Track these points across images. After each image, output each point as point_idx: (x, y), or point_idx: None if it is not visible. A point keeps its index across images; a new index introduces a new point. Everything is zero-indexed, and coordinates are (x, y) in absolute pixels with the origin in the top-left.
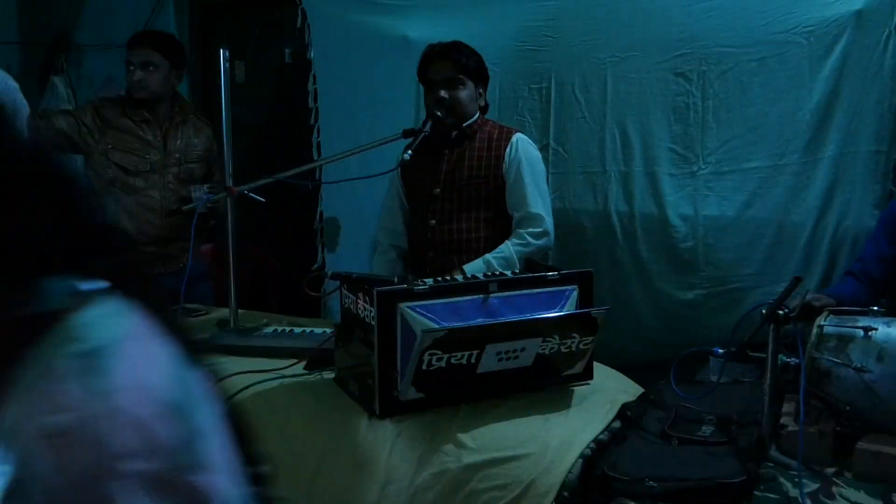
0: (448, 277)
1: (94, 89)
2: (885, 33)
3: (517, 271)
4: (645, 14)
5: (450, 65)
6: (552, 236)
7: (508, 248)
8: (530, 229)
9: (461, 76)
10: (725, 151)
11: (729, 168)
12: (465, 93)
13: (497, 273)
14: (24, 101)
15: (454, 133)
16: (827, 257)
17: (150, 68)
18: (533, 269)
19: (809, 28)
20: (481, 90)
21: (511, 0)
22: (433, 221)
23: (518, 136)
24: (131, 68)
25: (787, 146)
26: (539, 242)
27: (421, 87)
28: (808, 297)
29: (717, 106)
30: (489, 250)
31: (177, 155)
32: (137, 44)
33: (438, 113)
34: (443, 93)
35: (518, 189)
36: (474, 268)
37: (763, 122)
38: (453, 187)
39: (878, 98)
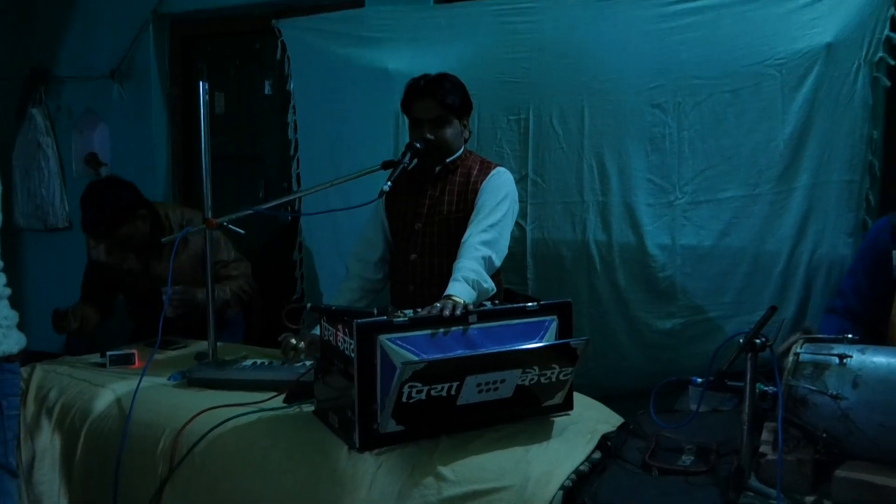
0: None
1: (72, 121)
2: (855, 65)
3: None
4: (621, 47)
5: (434, 104)
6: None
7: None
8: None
9: (446, 114)
10: (701, 181)
11: (705, 198)
12: (451, 131)
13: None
14: None
15: (437, 168)
16: (803, 285)
17: (120, 246)
18: (512, 300)
19: (781, 60)
20: (465, 122)
21: (489, 33)
22: (414, 256)
23: (497, 170)
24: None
25: (762, 176)
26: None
27: (401, 119)
28: (792, 339)
29: (693, 136)
30: None
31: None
32: (93, 235)
33: (417, 145)
34: (429, 133)
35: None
36: (462, 291)
37: (737, 152)
38: (434, 222)
39: (850, 128)
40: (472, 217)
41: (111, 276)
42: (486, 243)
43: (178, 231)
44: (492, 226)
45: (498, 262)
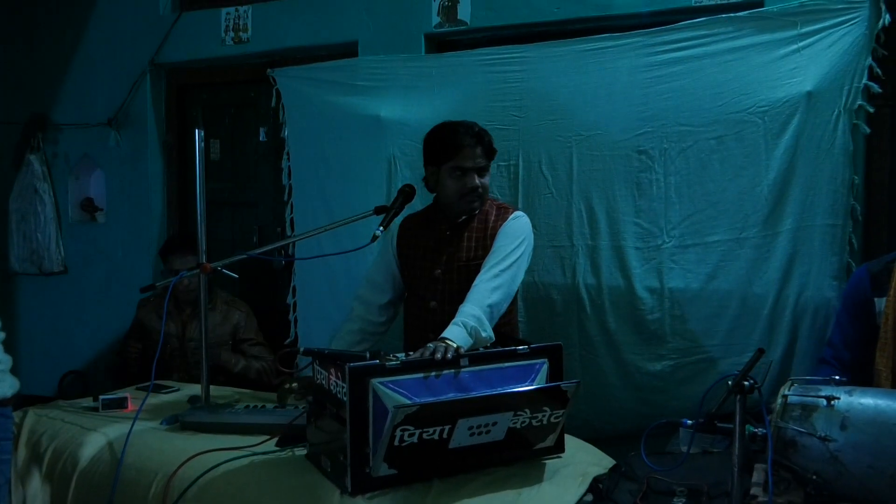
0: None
1: (69, 166)
2: (835, 113)
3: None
4: (608, 95)
5: (481, 151)
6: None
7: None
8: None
9: (487, 163)
10: (688, 225)
11: (692, 241)
12: (489, 178)
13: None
14: None
15: (462, 217)
16: (789, 328)
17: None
18: (503, 343)
19: (764, 108)
20: None
21: (479, 82)
22: (434, 303)
23: (515, 214)
24: (173, 273)
25: (747, 220)
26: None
27: (393, 164)
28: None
29: (679, 182)
30: None
31: (192, 343)
32: (179, 251)
33: (407, 189)
34: (478, 180)
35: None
36: (458, 336)
37: (723, 197)
38: (453, 269)
39: (831, 174)
40: (486, 259)
41: (149, 339)
42: (495, 289)
43: (221, 306)
44: (504, 270)
45: (505, 307)
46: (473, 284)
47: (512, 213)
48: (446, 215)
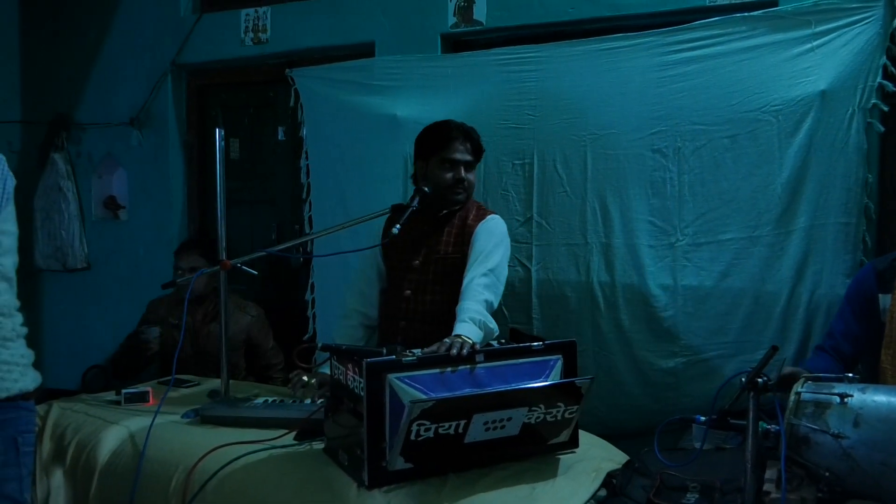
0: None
1: (93, 165)
2: (849, 112)
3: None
4: (622, 94)
5: (470, 147)
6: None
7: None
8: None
9: (475, 160)
10: (701, 224)
11: (705, 240)
12: (474, 175)
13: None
14: (11, 174)
15: (444, 211)
16: (803, 325)
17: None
18: (518, 340)
19: (777, 107)
20: None
21: (494, 81)
22: (408, 292)
23: (492, 216)
24: (179, 272)
25: (761, 218)
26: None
27: (409, 163)
28: (785, 370)
29: (693, 180)
30: None
31: (209, 348)
32: (186, 251)
33: (426, 189)
34: (464, 173)
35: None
36: (470, 331)
37: (736, 195)
38: (431, 260)
39: (845, 172)
40: (469, 260)
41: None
42: (487, 287)
43: (233, 310)
44: (491, 270)
45: (496, 305)
46: (465, 284)
47: (489, 214)
48: (430, 209)
